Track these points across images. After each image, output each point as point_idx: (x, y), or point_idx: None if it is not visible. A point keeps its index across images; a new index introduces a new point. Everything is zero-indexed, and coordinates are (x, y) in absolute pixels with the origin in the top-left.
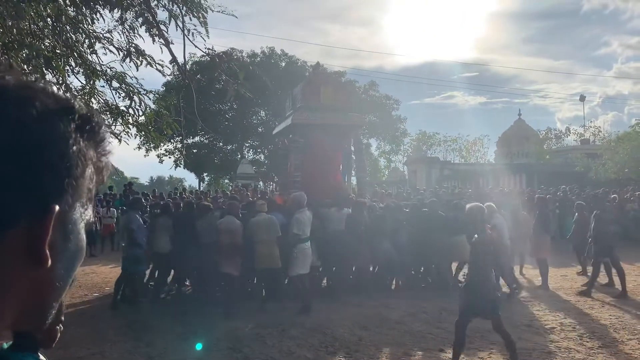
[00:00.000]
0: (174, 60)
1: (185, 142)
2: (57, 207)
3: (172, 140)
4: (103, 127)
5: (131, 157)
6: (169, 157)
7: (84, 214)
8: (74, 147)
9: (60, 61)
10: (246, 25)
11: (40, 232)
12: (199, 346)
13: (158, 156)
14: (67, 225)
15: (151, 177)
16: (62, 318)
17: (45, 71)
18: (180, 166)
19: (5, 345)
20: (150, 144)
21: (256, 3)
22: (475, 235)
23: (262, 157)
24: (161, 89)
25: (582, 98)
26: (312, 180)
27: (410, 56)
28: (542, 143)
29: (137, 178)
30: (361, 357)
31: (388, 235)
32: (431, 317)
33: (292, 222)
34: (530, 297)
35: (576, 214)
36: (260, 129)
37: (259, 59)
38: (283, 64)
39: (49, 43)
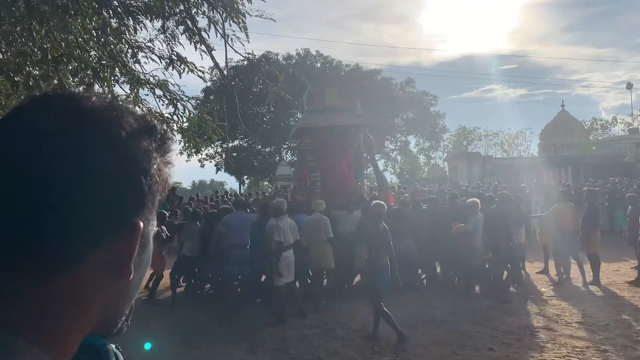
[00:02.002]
0: (216, 66)
1: (227, 145)
2: (141, 225)
3: (212, 145)
4: (171, 141)
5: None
6: (210, 162)
7: (154, 226)
8: (155, 166)
9: (107, 72)
10: (280, 28)
11: (128, 250)
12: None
13: (199, 161)
14: (145, 239)
15: (193, 182)
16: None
17: (92, 82)
18: (221, 170)
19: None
20: (192, 149)
21: (288, 6)
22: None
23: None
24: (200, 95)
25: (630, 86)
26: (325, 181)
27: (446, 51)
28: (587, 134)
29: (179, 183)
30: (408, 357)
31: (407, 232)
32: (479, 315)
33: (273, 229)
34: (580, 293)
35: (629, 206)
36: None
37: (294, 60)
38: (318, 65)
39: (95, 54)
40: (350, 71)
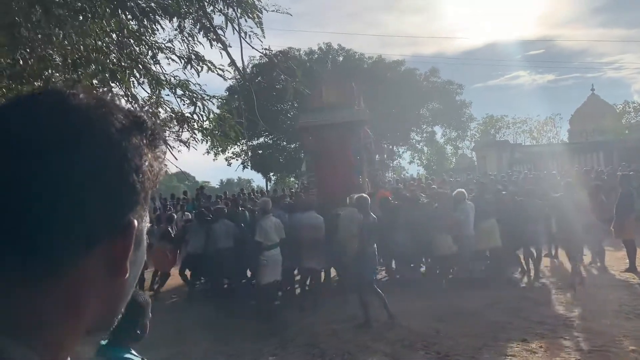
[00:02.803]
0: (232, 63)
1: (250, 143)
2: (136, 223)
3: (238, 144)
4: (161, 135)
5: (201, 162)
6: (236, 160)
7: (147, 222)
8: (146, 162)
9: (125, 74)
10: (300, 24)
11: (123, 249)
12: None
13: (226, 159)
14: (139, 236)
15: (221, 180)
16: (150, 315)
17: (111, 84)
18: (247, 168)
19: (103, 342)
20: (217, 148)
21: (308, 1)
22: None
23: None
24: (225, 94)
25: None
26: (326, 180)
27: (470, 39)
28: (619, 118)
29: (207, 182)
30: (440, 350)
31: (402, 228)
32: (510, 306)
33: (256, 228)
34: (615, 282)
35: None
36: None
37: (316, 55)
38: (340, 59)
39: (114, 57)
40: (372, 63)
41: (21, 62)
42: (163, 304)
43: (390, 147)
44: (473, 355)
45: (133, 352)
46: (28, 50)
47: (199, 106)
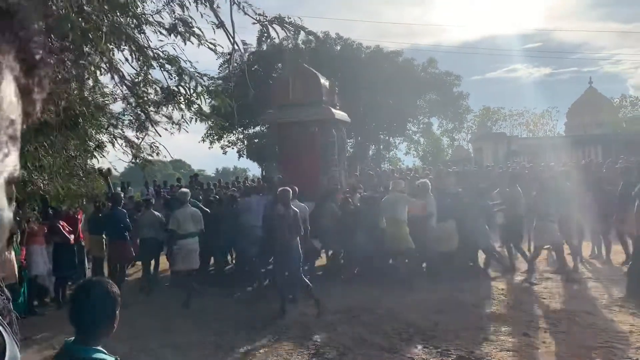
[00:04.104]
0: (220, 24)
1: (245, 132)
2: None
3: (234, 132)
4: None
5: (197, 150)
6: (232, 148)
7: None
8: None
9: (101, 36)
10: (298, 13)
11: None
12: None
13: (222, 147)
14: None
15: (217, 169)
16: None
17: (85, 48)
18: (243, 156)
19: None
20: (214, 135)
21: None
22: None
23: None
24: (218, 76)
25: None
26: (293, 176)
27: (468, 30)
28: (616, 111)
29: (203, 170)
30: (438, 343)
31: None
32: (511, 299)
33: (170, 218)
34: (620, 275)
35: None
36: None
37: (313, 44)
38: (338, 48)
39: (94, 21)
40: (370, 53)
41: None
42: (152, 294)
43: (387, 138)
44: (473, 350)
45: (103, 350)
46: None
47: (184, 79)
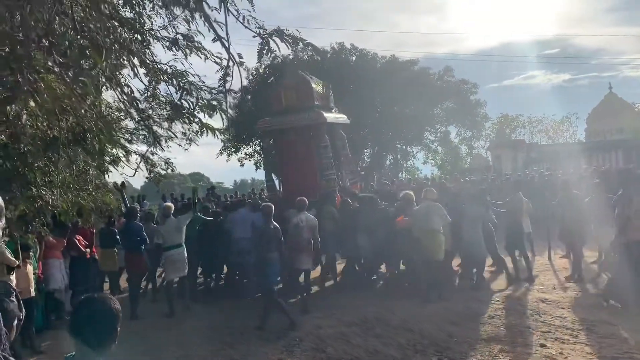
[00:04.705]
0: (218, 38)
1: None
2: None
3: (250, 144)
4: None
5: (215, 163)
6: (249, 160)
7: None
8: None
9: (101, 52)
10: (314, 25)
11: None
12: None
13: (239, 160)
14: None
15: (235, 181)
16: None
17: (84, 65)
18: (260, 168)
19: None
20: (231, 148)
21: (321, 2)
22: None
23: None
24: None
25: None
26: (290, 181)
27: (483, 38)
28: (637, 116)
29: (221, 182)
30: (453, 355)
31: (361, 230)
32: (528, 309)
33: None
34: None
35: None
36: None
37: (329, 55)
38: (354, 58)
39: (95, 37)
40: (386, 63)
41: None
42: (164, 305)
43: (404, 147)
44: None
45: None
46: None
47: (185, 89)
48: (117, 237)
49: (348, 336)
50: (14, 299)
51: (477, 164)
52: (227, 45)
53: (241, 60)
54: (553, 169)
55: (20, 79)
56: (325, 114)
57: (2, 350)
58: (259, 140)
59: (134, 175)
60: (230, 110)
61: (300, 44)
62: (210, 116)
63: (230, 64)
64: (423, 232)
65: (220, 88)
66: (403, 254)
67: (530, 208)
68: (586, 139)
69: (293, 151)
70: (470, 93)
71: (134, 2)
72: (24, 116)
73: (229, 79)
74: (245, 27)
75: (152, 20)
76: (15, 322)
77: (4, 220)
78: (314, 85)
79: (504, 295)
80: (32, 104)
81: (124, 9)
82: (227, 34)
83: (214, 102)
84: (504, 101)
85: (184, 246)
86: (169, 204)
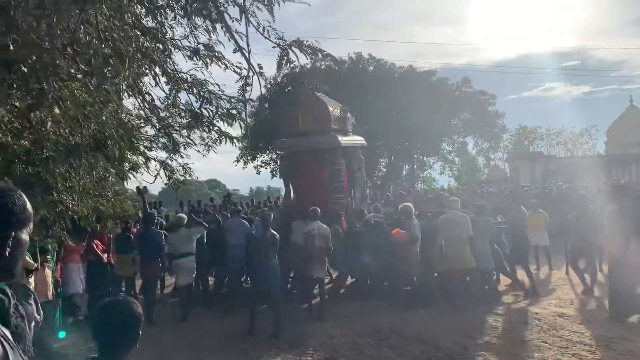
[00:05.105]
0: (239, 49)
1: (279, 152)
2: None
3: (267, 152)
4: None
5: (232, 170)
6: (266, 168)
7: None
8: None
9: (124, 60)
10: (330, 35)
11: None
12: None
13: (255, 168)
14: None
15: (251, 189)
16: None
17: (106, 72)
18: (276, 176)
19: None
20: (247, 156)
21: (338, 13)
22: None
23: None
24: (254, 103)
25: None
26: (303, 201)
27: (502, 50)
28: None
29: (237, 190)
30: None
31: (365, 250)
32: (545, 323)
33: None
34: None
35: None
36: None
37: (346, 65)
38: (371, 68)
39: (118, 45)
40: (403, 73)
41: (11, 47)
42: (178, 312)
43: (421, 157)
44: None
45: None
46: (16, 34)
47: (205, 97)
48: (132, 243)
49: (362, 347)
50: (32, 301)
51: (494, 175)
52: (247, 56)
53: (261, 70)
54: (571, 182)
55: (45, 87)
56: (341, 138)
57: (25, 352)
58: (275, 148)
59: (154, 182)
60: (248, 119)
61: (319, 54)
62: (230, 125)
63: (250, 74)
64: (449, 243)
65: (240, 97)
66: (413, 271)
67: (548, 221)
68: (606, 151)
69: (307, 172)
70: (488, 104)
71: (156, 12)
72: (49, 123)
73: (248, 88)
74: (265, 37)
75: (174, 30)
76: (33, 324)
77: (31, 226)
78: (331, 109)
79: (520, 309)
80: (56, 111)
81: (147, 19)
82: (247, 44)
83: (234, 111)
84: (522, 113)
85: (194, 255)
86: (182, 215)
